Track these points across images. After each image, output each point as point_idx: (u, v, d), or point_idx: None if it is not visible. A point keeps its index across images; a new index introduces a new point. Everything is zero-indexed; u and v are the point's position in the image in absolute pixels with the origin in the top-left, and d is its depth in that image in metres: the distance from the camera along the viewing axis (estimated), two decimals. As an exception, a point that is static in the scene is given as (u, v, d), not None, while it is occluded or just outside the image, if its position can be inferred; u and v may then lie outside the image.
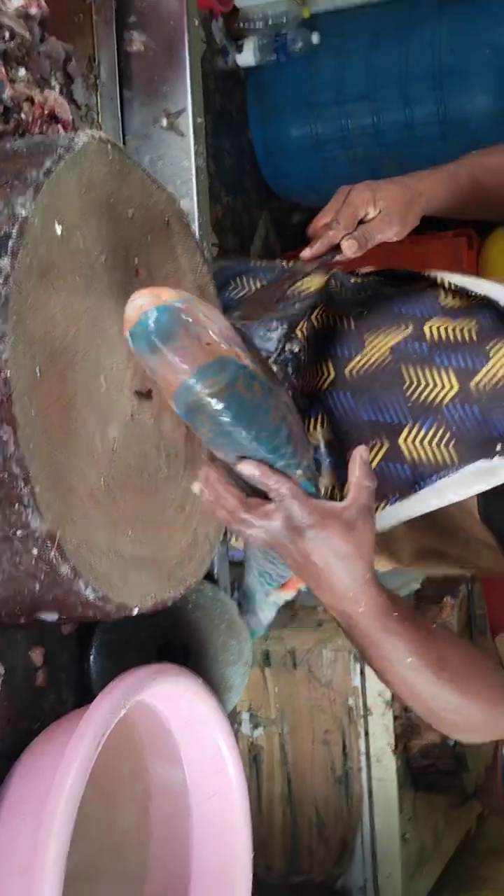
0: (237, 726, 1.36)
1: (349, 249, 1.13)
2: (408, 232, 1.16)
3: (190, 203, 1.18)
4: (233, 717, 1.10)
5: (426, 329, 1.14)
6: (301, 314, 1.24)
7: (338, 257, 1.15)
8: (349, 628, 0.95)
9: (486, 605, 2.37)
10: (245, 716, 2.16)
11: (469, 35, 2.93)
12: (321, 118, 3.12)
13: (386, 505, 1.11)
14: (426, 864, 2.30)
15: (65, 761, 0.84)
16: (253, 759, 2.18)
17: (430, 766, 2.15)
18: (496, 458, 1.04)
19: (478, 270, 3.10)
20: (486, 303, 1.13)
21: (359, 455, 0.92)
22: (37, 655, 0.98)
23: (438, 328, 1.14)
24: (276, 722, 2.17)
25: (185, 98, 1.19)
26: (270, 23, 3.09)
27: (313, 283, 1.27)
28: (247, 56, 3.09)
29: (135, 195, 0.95)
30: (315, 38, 3.05)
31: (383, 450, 1.13)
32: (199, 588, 1.08)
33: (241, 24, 3.11)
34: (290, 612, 2.19)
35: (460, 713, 1.00)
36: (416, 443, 1.11)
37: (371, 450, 1.14)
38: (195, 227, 1.16)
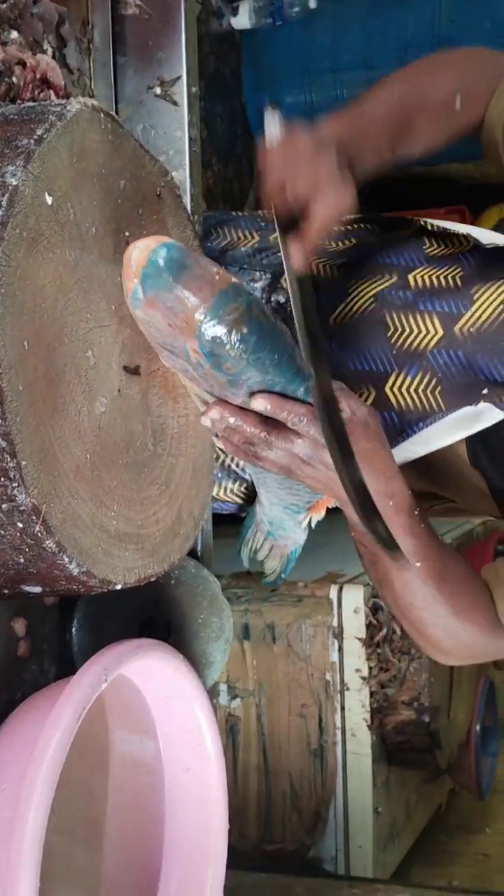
0: (215, 699, 1.37)
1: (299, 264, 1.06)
2: (349, 184, 1.05)
3: (182, 174, 1.18)
4: (212, 690, 1.12)
5: (410, 278, 1.14)
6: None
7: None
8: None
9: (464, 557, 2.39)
10: (223, 687, 2.17)
11: (469, 6, 2.91)
12: (316, 85, 3.09)
13: None
14: (397, 837, 2.33)
15: (45, 733, 0.85)
16: (230, 730, 2.20)
17: (405, 742, 2.17)
18: (481, 404, 1.05)
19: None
20: (468, 248, 1.12)
21: (338, 388, 0.93)
22: (19, 626, 0.99)
23: (423, 276, 1.13)
24: (254, 694, 2.19)
25: (181, 66, 1.18)
26: (267, -15, 3.07)
27: None
28: (242, 19, 3.06)
29: (126, 166, 0.94)
30: (312, 3, 3.02)
31: (370, 399, 1.13)
32: (182, 564, 1.09)
33: (237, -14, 3.08)
34: (270, 588, 2.20)
35: (447, 629, 1.02)
36: (403, 390, 1.11)
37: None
38: (187, 199, 1.15)
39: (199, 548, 1.17)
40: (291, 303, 0.99)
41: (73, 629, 1.04)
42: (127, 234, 0.94)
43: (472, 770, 2.53)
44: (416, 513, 0.97)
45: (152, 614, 1.09)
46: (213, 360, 0.85)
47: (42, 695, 0.95)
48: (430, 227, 1.17)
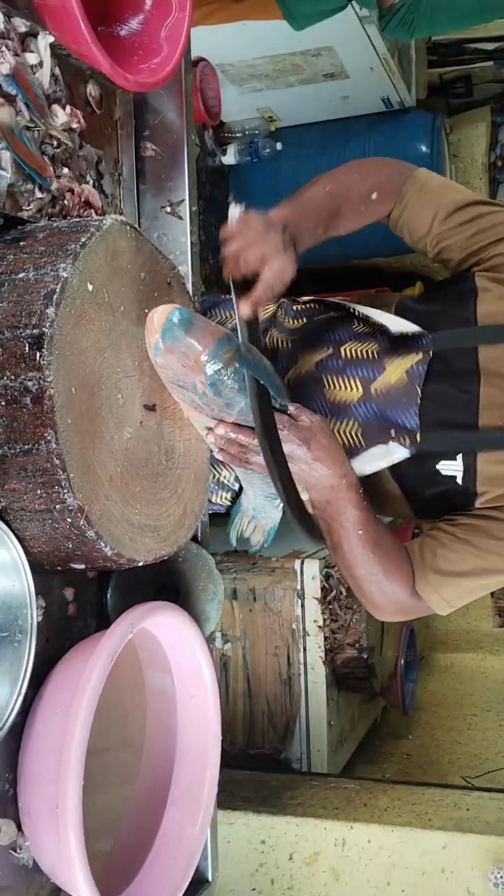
0: (212, 644, 1.36)
1: (245, 313, 1.00)
2: (290, 257, 1.01)
3: (186, 268, 1.18)
4: (209, 638, 1.11)
5: (342, 350, 1.13)
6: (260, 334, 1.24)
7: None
8: (327, 504, 0.97)
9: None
10: (218, 634, 2.16)
11: (390, 147, 2.93)
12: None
13: None
14: (345, 742, 2.31)
15: (88, 669, 0.84)
16: (223, 666, 2.18)
17: (349, 673, 2.16)
18: (391, 443, 1.05)
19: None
20: (382, 329, 1.11)
21: (295, 407, 0.95)
22: (69, 593, 0.98)
23: (351, 349, 1.12)
24: (241, 639, 2.18)
25: (184, 192, 1.18)
26: (247, 133, 3.08)
27: (267, 312, 1.27)
28: (229, 157, 3.07)
29: (146, 262, 0.95)
30: (279, 146, 3.04)
31: None
32: (187, 546, 1.09)
33: (226, 134, 3.09)
34: (251, 561, 2.19)
35: (378, 586, 1.01)
36: (335, 431, 1.10)
37: None
38: (189, 285, 1.16)
39: (199, 534, 1.17)
40: (240, 339, 0.96)
41: (108, 594, 1.03)
42: (146, 310, 0.94)
43: (398, 693, 2.52)
44: (360, 491, 0.98)
45: (165, 582, 1.09)
46: (215, 388, 0.87)
47: (85, 643, 0.94)
48: (357, 314, 1.17)
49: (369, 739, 2.58)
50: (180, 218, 1.19)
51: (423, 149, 2.93)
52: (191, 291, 1.11)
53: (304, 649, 2.12)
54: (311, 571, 2.10)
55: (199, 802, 1.03)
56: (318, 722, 2.16)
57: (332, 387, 1.11)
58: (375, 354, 1.10)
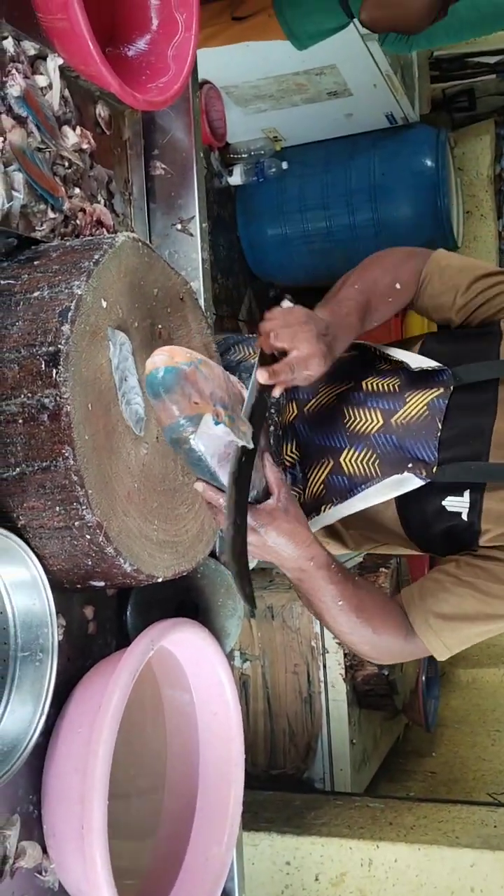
0: (231, 662, 1.34)
1: (276, 393, 0.99)
2: (322, 350, 0.99)
3: (197, 284, 1.18)
4: (229, 655, 1.10)
5: (364, 384, 1.14)
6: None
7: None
8: (300, 581, 0.96)
9: (409, 573, 2.37)
10: (237, 653, 2.15)
11: (395, 162, 2.95)
12: (289, 222, 3.12)
13: (331, 506, 1.12)
14: (368, 761, 2.28)
15: (109, 688, 0.83)
16: (243, 685, 2.17)
17: (370, 690, 2.14)
18: (405, 473, 1.05)
19: (402, 329, 3.12)
20: (403, 366, 1.12)
21: (267, 463, 0.92)
22: (89, 611, 0.97)
23: (372, 383, 1.14)
24: (260, 657, 2.16)
25: (194, 209, 1.19)
26: (252, 154, 3.10)
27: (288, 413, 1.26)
28: (235, 178, 3.10)
29: (158, 279, 0.95)
30: (284, 165, 3.06)
31: (329, 466, 1.13)
32: (205, 562, 1.08)
33: (231, 155, 3.11)
34: (268, 578, 2.18)
35: (371, 644, 1.01)
36: (352, 461, 1.11)
37: (321, 466, 1.14)
38: (201, 301, 1.16)
39: (216, 550, 1.16)
40: (246, 400, 0.94)
41: (128, 612, 1.03)
42: (160, 326, 0.95)
43: (420, 709, 2.49)
44: (333, 566, 0.96)
45: (184, 599, 1.08)
46: (172, 448, 0.85)
47: (106, 661, 0.94)
48: (378, 352, 1.17)
49: (392, 757, 2.54)
50: (191, 235, 1.20)
51: (429, 163, 2.95)
52: (203, 307, 1.12)
53: (324, 667, 2.10)
54: (329, 587, 2.09)
55: (225, 822, 1.02)
56: (340, 740, 2.13)
57: (353, 417, 1.12)
58: (397, 388, 1.11)
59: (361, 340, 1.20)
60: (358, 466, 1.10)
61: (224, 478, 0.85)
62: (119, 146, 1.15)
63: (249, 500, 0.89)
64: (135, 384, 0.87)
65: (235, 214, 3.23)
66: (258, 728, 2.16)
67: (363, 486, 1.08)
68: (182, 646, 1.01)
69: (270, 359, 0.97)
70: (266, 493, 0.91)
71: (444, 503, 1.03)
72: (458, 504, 1.03)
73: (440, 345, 1.15)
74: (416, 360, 1.10)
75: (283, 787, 2.07)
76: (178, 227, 1.20)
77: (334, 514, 1.12)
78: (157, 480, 0.90)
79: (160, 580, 0.88)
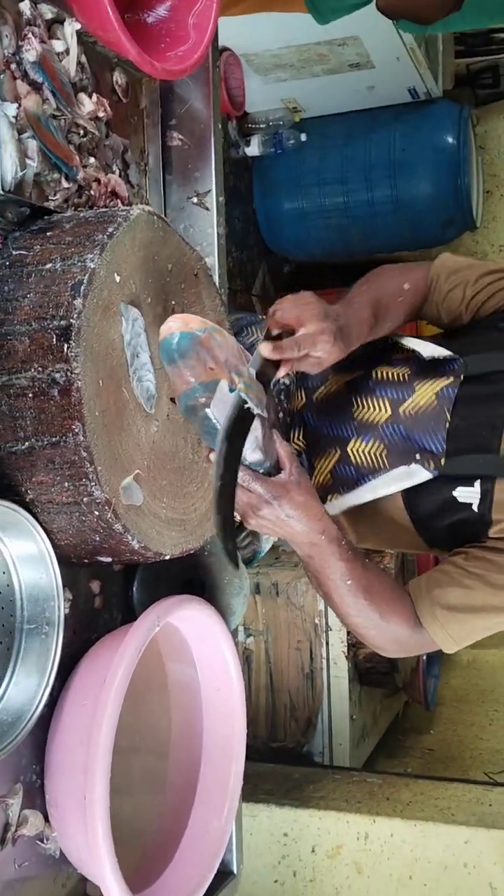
0: (235, 638, 1.35)
1: (281, 373, 0.97)
2: (331, 332, 0.98)
3: (212, 260, 1.17)
4: (233, 631, 1.10)
5: (374, 372, 1.13)
6: None
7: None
8: (310, 558, 0.95)
9: (415, 556, 2.37)
10: (241, 628, 2.16)
11: (416, 138, 2.89)
12: (306, 196, 3.07)
13: (337, 496, 1.11)
14: (367, 737, 2.30)
15: (115, 662, 0.84)
16: (246, 660, 2.18)
17: (372, 667, 2.15)
18: (413, 465, 1.04)
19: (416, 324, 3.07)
20: (415, 354, 1.11)
21: (277, 438, 0.91)
22: (95, 586, 0.98)
23: (382, 372, 1.12)
24: (263, 633, 2.17)
25: (211, 182, 1.17)
26: (271, 124, 3.05)
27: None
28: (253, 149, 3.05)
29: (173, 254, 0.94)
30: (303, 137, 3.01)
31: (337, 455, 1.12)
32: (213, 540, 1.08)
33: (249, 125, 3.06)
34: (275, 555, 2.18)
35: (377, 629, 1.00)
36: (359, 451, 1.10)
37: (328, 456, 1.13)
38: (216, 277, 1.14)
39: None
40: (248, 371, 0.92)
41: (134, 587, 1.03)
42: (173, 302, 0.94)
43: (420, 688, 2.51)
44: (343, 543, 0.95)
45: (191, 576, 1.08)
46: (185, 418, 0.85)
47: (112, 636, 0.94)
48: (389, 340, 1.15)
49: (391, 734, 2.57)
50: (207, 209, 1.18)
51: (450, 140, 2.89)
52: (217, 283, 1.10)
53: (327, 644, 2.11)
54: (335, 565, 2.09)
55: (225, 795, 1.03)
56: (340, 716, 2.15)
57: (361, 406, 1.11)
58: (406, 377, 1.10)
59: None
60: (365, 457, 1.09)
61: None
62: (136, 115, 1.13)
63: (262, 471, 0.89)
64: (146, 361, 0.86)
65: (252, 186, 3.18)
66: (260, 702, 2.18)
67: (370, 477, 1.08)
68: (188, 622, 1.01)
69: (277, 338, 0.96)
70: (277, 468, 0.90)
71: (454, 493, 1.02)
72: (468, 494, 1.01)
73: (452, 337, 1.14)
74: (428, 349, 1.09)
75: (283, 759, 2.09)
76: (195, 200, 1.18)
77: (341, 503, 1.11)
78: (166, 458, 0.90)
79: (168, 557, 0.88)
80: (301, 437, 1.17)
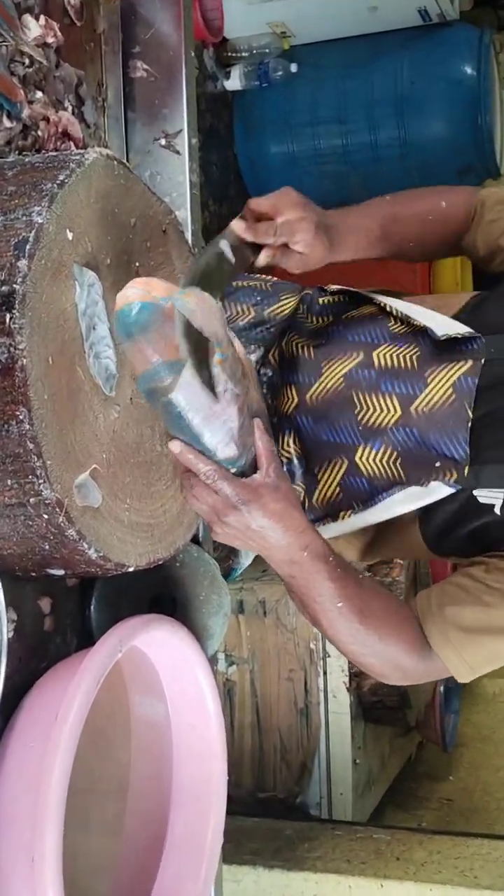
0: (215, 666, 1.36)
1: (261, 262, 1.05)
2: (321, 246, 1.06)
3: (184, 213, 1.17)
4: (212, 659, 1.11)
5: (374, 356, 1.13)
6: (273, 337, 1.22)
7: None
8: (292, 578, 0.95)
9: (429, 565, 2.39)
10: (221, 655, 2.17)
11: (427, 69, 2.91)
12: (297, 138, 3.09)
13: (352, 513, 1.11)
14: (373, 785, 2.32)
15: (68, 696, 0.84)
16: (227, 693, 2.19)
17: (379, 702, 2.17)
18: (433, 482, 1.04)
19: (430, 277, 3.10)
20: (426, 331, 1.11)
21: (257, 428, 0.90)
22: (45, 604, 0.98)
23: (385, 355, 1.12)
24: (248, 661, 2.18)
25: (182, 121, 1.18)
26: (255, 53, 3.06)
27: (287, 307, 1.25)
28: (234, 81, 3.06)
29: (137, 206, 0.94)
30: (293, 68, 3.02)
31: (344, 466, 1.12)
32: (186, 549, 1.09)
33: (229, 54, 3.07)
34: (261, 567, 2.19)
35: (377, 655, 1.00)
36: (370, 460, 1.10)
37: (333, 467, 1.13)
38: (188, 234, 1.15)
39: (200, 535, 1.17)
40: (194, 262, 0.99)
41: (92, 606, 1.03)
42: (137, 264, 0.94)
43: (437, 726, 2.53)
44: (331, 559, 0.94)
45: (160, 592, 1.09)
46: (147, 401, 0.85)
47: (65, 664, 0.94)
48: (396, 313, 1.16)
49: (402, 781, 2.59)
50: (177, 153, 1.18)
51: (468, 70, 2.91)
52: (190, 241, 1.11)
53: (325, 673, 2.13)
54: (333, 580, 2.11)
55: (202, 853, 1.04)
56: (340, 760, 2.16)
57: (365, 407, 1.11)
58: (415, 363, 1.10)
59: (380, 300, 1.18)
60: (377, 467, 1.10)
61: (208, 439, 0.84)
62: (92, 41, 1.14)
63: (234, 470, 0.88)
64: (105, 333, 0.87)
65: (233, 126, 3.19)
66: (244, 744, 2.19)
67: (386, 494, 1.08)
68: (156, 647, 1.01)
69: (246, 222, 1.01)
70: (253, 467, 0.90)
71: (475, 492, 1.03)
72: (491, 495, 1.02)
73: (477, 310, 1.14)
74: (442, 325, 1.09)
75: (273, 813, 2.10)
76: (162, 142, 1.18)
77: (356, 522, 1.12)
78: (129, 451, 0.90)
79: (131, 569, 0.89)
80: (294, 443, 1.17)
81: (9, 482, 0.78)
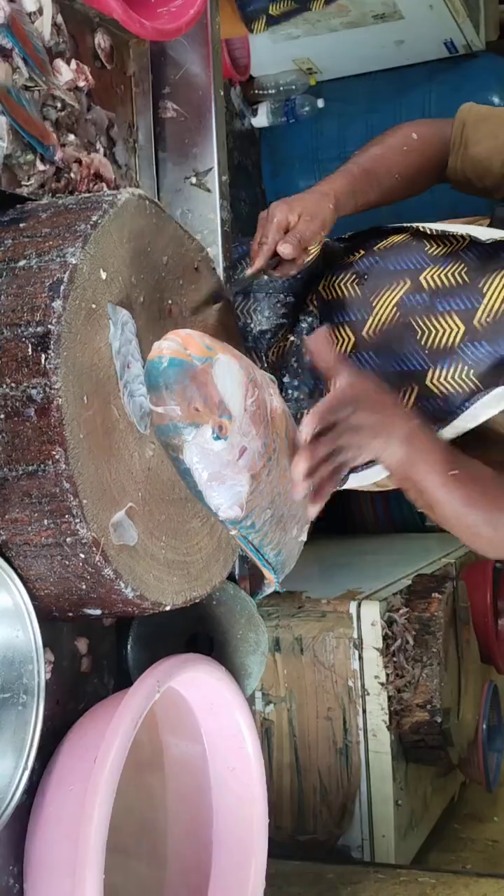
0: (252, 706, 1.35)
1: (286, 250, 1.10)
2: (330, 223, 1.14)
3: (216, 250, 1.18)
4: (249, 699, 1.10)
5: (422, 280, 1.13)
6: (305, 283, 1.24)
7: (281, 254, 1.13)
8: (408, 456, 0.96)
9: (468, 600, 2.36)
10: (258, 694, 2.15)
11: (454, 101, 2.90)
12: (325, 172, 3.07)
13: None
14: (416, 826, 2.28)
15: (107, 740, 0.84)
16: (265, 732, 2.17)
17: (420, 740, 2.13)
18: None
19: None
20: (465, 245, 1.12)
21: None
22: (82, 645, 0.98)
23: (433, 276, 1.13)
24: (285, 700, 2.16)
25: (212, 159, 1.19)
26: (282, 89, 3.09)
27: (311, 255, 1.27)
28: (261, 118, 3.09)
29: (169, 244, 0.95)
30: (320, 103, 3.05)
31: (415, 392, 1.13)
32: (222, 587, 1.08)
33: (256, 91, 3.11)
34: (297, 604, 2.18)
35: (490, 524, 1.01)
36: (442, 380, 1.11)
37: (404, 395, 1.14)
38: (220, 271, 1.16)
39: (236, 572, 1.16)
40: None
41: (129, 646, 1.03)
42: (170, 301, 0.95)
43: (480, 765, 2.48)
44: (438, 438, 0.98)
45: (197, 631, 1.08)
46: (163, 448, 0.86)
47: (103, 705, 0.94)
48: (427, 231, 1.17)
49: (446, 822, 2.53)
50: (208, 190, 1.20)
51: (495, 100, 2.92)
52: (222, 278, 1.11)
53: (364, 712, 2.10)
54: (371, 616, 2.08)
55: (243, 900, 1.02)
56: (382, 801, 2.13)
57: (426, 330, 1.12)
58: (465, 277, 1.11)
59: (398, 224, 1.21)
60: (451, 384, 1.11)
61: (212, 499, 0.85)
62: (122, 83, 1.16)
63: (233, 532, 0.89)
64: (139, 372, 0.87)
65: (260, 162, 3.22)
66: (283, 785, 2.16)
67: (466, 404, 1.09)
68: (193, 687, 1.01)
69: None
70: (271, 523, 0.92)
71: None
72: None
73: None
74: (485, 232, 1.10)
75: (314, 856, 2.07)
76: (193, 180, 1.20)
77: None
78: (165, 488, 0.90)
79: (168, 608, 0.88)
80: None
81: (45, 522, 0.78)
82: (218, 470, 0.83)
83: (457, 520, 1.03)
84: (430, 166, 1.21)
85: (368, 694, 2.09)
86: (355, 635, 2.09)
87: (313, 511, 0.94)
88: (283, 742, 2.17)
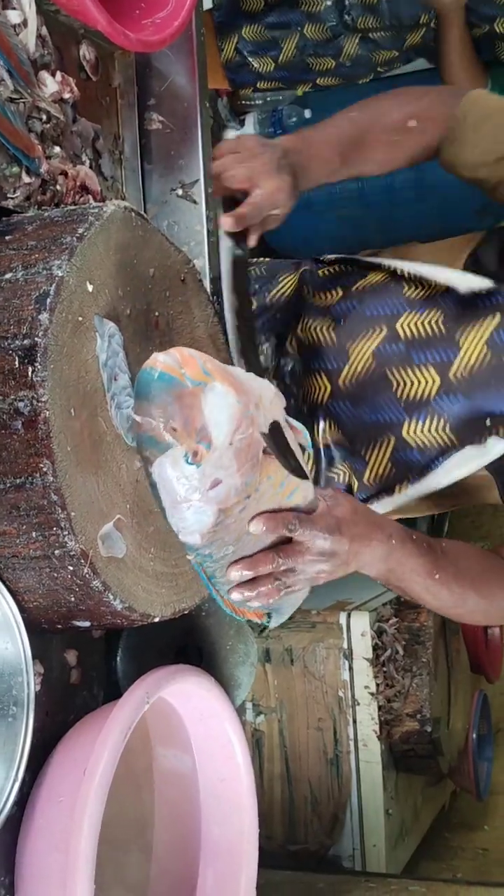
0: (242, 717, 1.34)
1: (227, 224, 1.09)
2: (285, 181, 1.10)
3: (202, 262, 1.19)
4: (239, 710, 1.10)
5: (398, 328, 1.12)
6: (285, 323, 1.23)
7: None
8: (389, 571, 0.95)
9: (460, 626, 2.36)
10: (249, 705, 2.15)
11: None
12: (312, 183, 3.13)
13: (407, 485, 1.12)
14: (406, 835, 2.27)
15: (96, 751, 0.84)
16: (255, 743, 2.16)
17: (410, 750, 2.13)
18: (488, 440, 1.05)
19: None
20: (443, 289, 1.10)
21: (328, 493, 0.92)
22: (71, 657, 0.98)
23: (409, 325, 1.12)
24: (276, 710, 2.16)
25: (199, 170, 1.20)
26: (268, 100, 3.11)
27: (287, 287, 1.26)
28: (248, 129, 3.10)
29: (155, 256, 0.95)
30: (307, 114, 3.06)
31: (392, 443, 1.13)
32: (211, 599, 1.08)
33: (242, 102, 3.12)
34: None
35: (482, 611, 1.02)
36: (418, 433, 1.11)
37: (381, 445, 1.14)
38: (207, 283, 1.16)
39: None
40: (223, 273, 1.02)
41: (118, 658, 1.03)
42: (157, 313, 0.95)
43: (470, 773, 2.48)
44: (414, 537, 0.97)
45: (186, 642, 1.08)
46: (137, 451, 0.83)
47: (92, 717, 0.94)
48: (406, 275, 1.15)
49: (436, 831, 2.53)
50: (194, 202, 1.20)
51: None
52: (209, 290, 1.12)
53: (354, 722, 2.10)
54: (361, 626, 2.09)
55: (234, 912, 1.02)
56: (372, 810, 2.12)
57: (403, 383, 1.12)
58: (441, 328, 1.10)
59: (379, 260, 1.18)
60: (427, 437, 1.10)
61: (172, 519, 0.81)
62: (108, 95, 1.16)
63: (190, 557, 0.86)
64: (126, 384, 0.88)
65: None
66: (274, 795, 2.16)
67: (441, 459, 1.09)
68: (183, 698, 1.01)
69: (232, 203, 0.99)
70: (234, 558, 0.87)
71: None
72: None
73: (492, 253, 1.13)
74: (465, 282, 1.09)
75: (304, 865, 2.06)
76: (179, 192, 1.20)
77: (413, 493, 1.13)
78: (153, 500, 0.90)
79: (157, 620, 0.88)
80: (331, 430, 1.17)
81: (33, 534, 0.78)
82: (183, 494, 0.80)
83: (446, 612, 1.05)
84: (416, 156, 1.19)
85: (358, 704, 2.09)
86: (345, 646, 2.09)
87: (237, 597, 0.88)
88: (274, 752, 2.17)
